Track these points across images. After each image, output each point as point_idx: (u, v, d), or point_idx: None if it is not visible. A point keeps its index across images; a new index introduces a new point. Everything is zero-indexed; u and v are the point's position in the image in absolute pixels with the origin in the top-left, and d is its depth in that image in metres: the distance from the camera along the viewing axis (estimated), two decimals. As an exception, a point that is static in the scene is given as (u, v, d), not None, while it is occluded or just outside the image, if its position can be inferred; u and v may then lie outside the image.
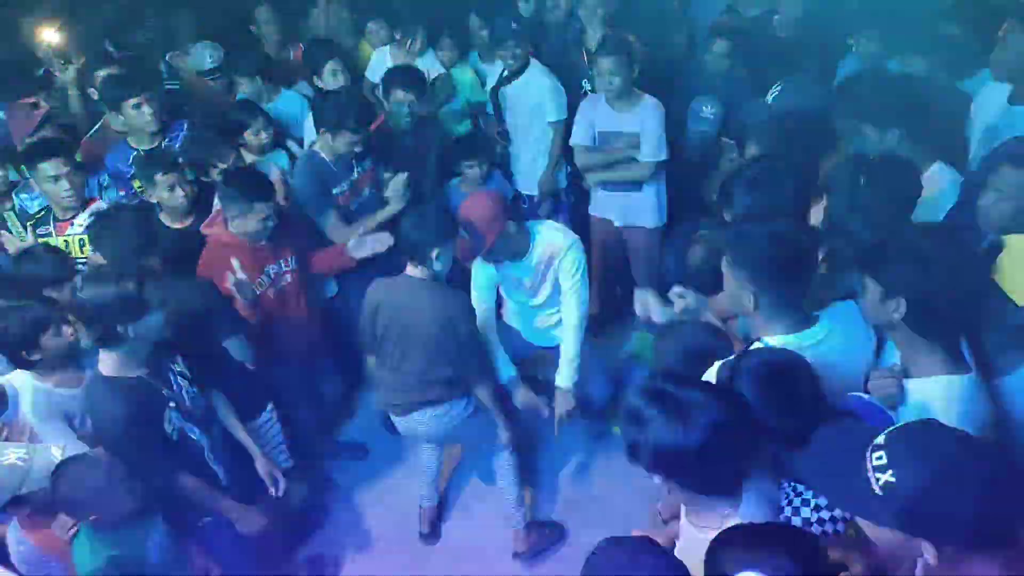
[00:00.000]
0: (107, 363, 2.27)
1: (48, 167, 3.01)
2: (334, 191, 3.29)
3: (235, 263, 2.82)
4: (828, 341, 1.90)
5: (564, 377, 3.06)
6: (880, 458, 1.24)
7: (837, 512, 1.65)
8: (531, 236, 2.98)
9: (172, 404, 2.36)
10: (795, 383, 1.66)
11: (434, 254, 2.64)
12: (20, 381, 2.45)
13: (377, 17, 4.36)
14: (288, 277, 3.06)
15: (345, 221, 3.31)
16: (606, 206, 3.90)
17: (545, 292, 3.09)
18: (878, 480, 1.23)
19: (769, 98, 2.85)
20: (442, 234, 2.65)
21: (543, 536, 3.22)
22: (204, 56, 3.97)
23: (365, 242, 3.14)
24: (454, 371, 2.79)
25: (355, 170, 3.35)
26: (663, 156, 3.60)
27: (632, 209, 3.81)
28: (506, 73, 3.98)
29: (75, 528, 2.20)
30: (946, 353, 1.79)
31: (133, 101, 3.35)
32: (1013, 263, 2.01)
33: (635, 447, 1.54)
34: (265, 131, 3.51)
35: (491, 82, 4.15)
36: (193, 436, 2.43)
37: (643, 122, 3.53)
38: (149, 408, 2.29)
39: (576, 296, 3.00)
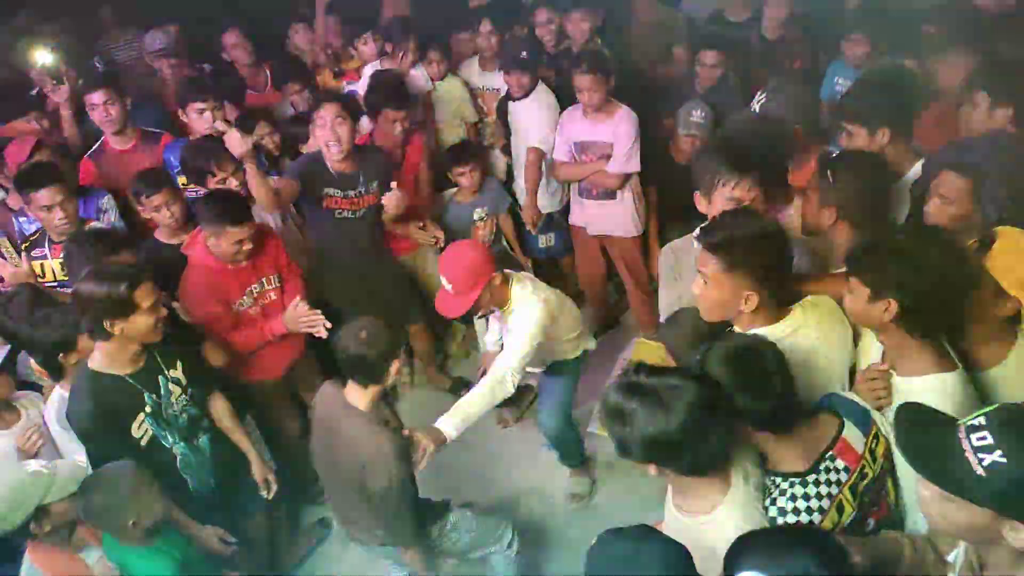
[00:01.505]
0: (96, 357, 2.34)
1: (42, 196, 3.00)
2: (324, 191, 3.26)
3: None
4: (803, 330, 1.96)
5: (446, 422, 2.45)
6: (983, 439, 1.25)
7: (812, 503, 1.68)
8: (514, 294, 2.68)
9: (148, 409, 2.39)
10: (762, 365, 1.69)
11: (391, 372, 2.32)
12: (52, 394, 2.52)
13: (365, 31, 4.35)
14: (272, 295, 3.04)
15: (319, 220, 3.33)
16: (582, 214, 3.96)
17: None
18: (981, 461, 1.23)
19: (756, 106, 2.86)
20: (393, 351, 2.33)
21: None
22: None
23: (305, 317, 2.90)
24: (378, 527, 2.44)
25: (359, 188, 3.32)
26: (632, 168, 3.66)
27: (606, 218, 3.86)
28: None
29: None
30: (934, 351, 1.81)
31: (199, 106, 3.42)
32: (1007, 254, 2.02)
33: (623, 442, 1.60)
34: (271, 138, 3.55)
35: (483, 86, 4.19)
36: (166, 444, 2.46)
37: (616, 133, 3.60)
38: (118, 409, 2.34)
39: (510, 349, 2.61)
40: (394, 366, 2.33)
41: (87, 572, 2.19)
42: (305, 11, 4.84)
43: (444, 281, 2.60)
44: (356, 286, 3.46)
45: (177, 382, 2.48)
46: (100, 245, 2.76)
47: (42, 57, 3.79)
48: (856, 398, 1.88)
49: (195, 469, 2.58)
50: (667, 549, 1.45)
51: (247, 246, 2.81)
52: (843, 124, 2.58)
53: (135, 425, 2.38)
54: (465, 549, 2.70)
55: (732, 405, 1.63)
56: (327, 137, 3.14)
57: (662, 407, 1.53)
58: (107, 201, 3.37)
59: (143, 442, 2.41)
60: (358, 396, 2.34)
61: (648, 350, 3.96)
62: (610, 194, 3.77)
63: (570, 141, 3.75)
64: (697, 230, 2.12)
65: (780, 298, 1.98)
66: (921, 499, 1.36)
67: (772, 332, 1.93)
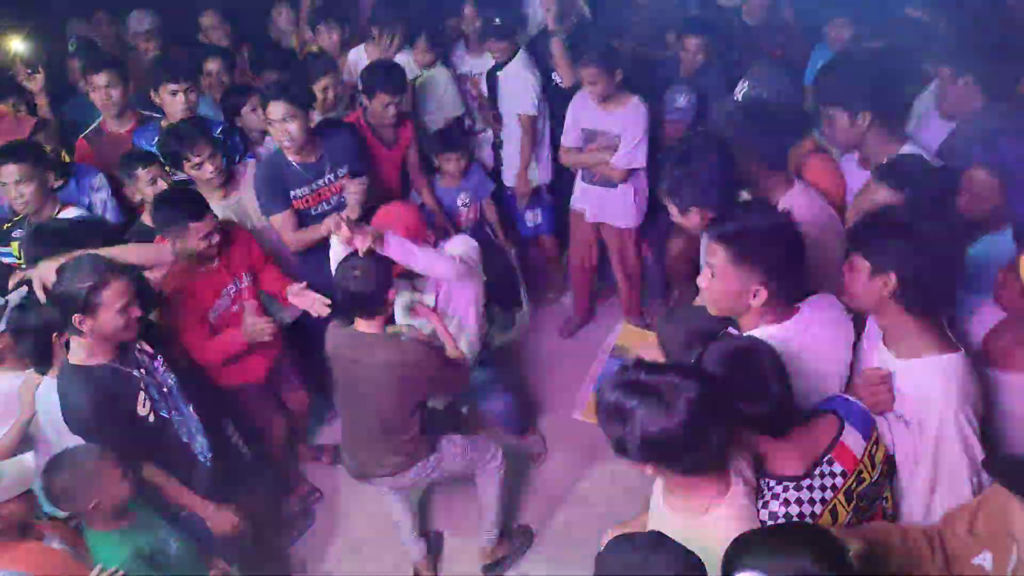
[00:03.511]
0: (76, 352, 2.30)
1: (3, 172, 2.96)
2: (292, 193, 3.21)
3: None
4: (809, 331, 1.91)
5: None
6: None
7: (805, 508, 1.66)
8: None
9: (143, 385, 2.37)
10: (759, 368, 1.67)
11: (390, 299, 2.51)
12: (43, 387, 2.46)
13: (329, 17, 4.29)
14: (246, 294, 3.00)
15: (300, 224, 3.25)
16: (583, 199, 3.94)
17: (442, 300, 2.97)
18: None
19: (738, 94, 2.84)
20: (388, 279, 2.51)
21: (512, 547, 3.18)
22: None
23: (305, 295, 2.97)
24: (415, 432, 2.66)
25: (325, 176, 3.27)
26: (637, 163, 3.64)
27: (606, 206, 3.85)
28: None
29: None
30: (935, 333, 1.81)
31: (171, 87, 3.36)
32: None
33: (622, 441, 1.53)
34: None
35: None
36: (164, 415, 2.44)
37: (624, 125, 3.58)
38: (121, 393, 2.31)
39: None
40: (391, 294, 2.52)
41: (59, 561, 2.13)
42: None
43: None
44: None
45: (145, 352, 2.45)
46: (52, 238, 2.65)
47: (15, 46, 3.72)
48: (858, 401, 1.85)
49: (195, 437, 2.57)
50: (679, 558, 1.41)
51: (215, 238, 2.75)
52: (823, 108, 2.54)
53: (139, 405, 2.36)
54: (457, 470, 2.88)
55: (731, 404, 1.60)
56: (279, 136, 3.11)
57: (664, 404, 1.48)
58: (99, 180, 3.31)
59: (151, 419, 2.39)
60: (369, 326, 2.53)
61: (637, 335, 3.97)
62: (611, 183, 3.75)
63: (579, 126, 3.72)
64: None
65: (790, 295, 1.92)
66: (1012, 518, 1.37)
67: (783, 331, 1.88)
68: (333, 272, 2.67)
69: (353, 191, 3.24)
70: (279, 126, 3.07)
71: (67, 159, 3.52)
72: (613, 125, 3.60)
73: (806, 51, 4.04)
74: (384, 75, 3.50)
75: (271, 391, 3.28)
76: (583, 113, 3.69)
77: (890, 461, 1.83)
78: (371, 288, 2.44)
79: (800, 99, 3.04)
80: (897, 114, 2.68)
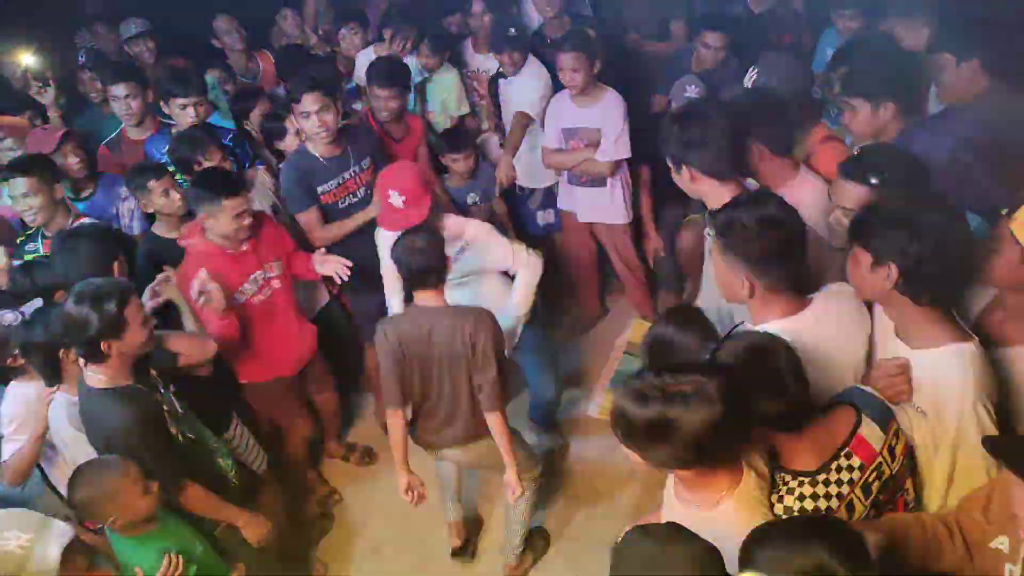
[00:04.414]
0: (97, 377, 2.24)
1: (13, 185, 3.01)
2: (319, 188, 3.25)
3: (202, 272, 2.69)
4: (822, 324, 1.89)
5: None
6: None
7: (820, 503, 1.64)
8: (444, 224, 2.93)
9: (165, 408, 2.36)
10: (775, 364, 1.64)
11: (449, 267, 2.60)
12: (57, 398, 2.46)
13: (354, 21, 4.37)
14: (276, 283, 3.02)
15: (327, 220, 3.29)
16: (571, 200, 3.94)
17: (460, 281, 3.02)
18: None
19: (747, 82, 2.82)
20: (442, 254, 2.59)
21: (534, 555, 3.16)
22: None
23: (328, 261, 3.05)
24: (469, 416, 2.69)
25: (351, 168, 3.30)
26: (622, 154, 3.63)
27: (596, 206, 3.84)
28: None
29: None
30: (947, 322, 1.79)
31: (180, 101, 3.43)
32: None
33: (670, 454, 1.49)
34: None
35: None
36: (190, 435, 2.44)
37: (604, 119, 3.56)
38: (153, 413, 2.30)
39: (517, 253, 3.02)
40: (448, 263, 2.61)
41: None
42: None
43: (394, 196, 2.74)
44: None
45: (157, 378, 2.44)
46: (35, 273, 2.72)
47: (27, 60, 3.77)
48: (876, 392, 1.82)
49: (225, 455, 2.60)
50: (696, 549, 1.39)
51: (246, 220, 2.80)
52: (844, 99, 2.52)
53: (168, 424, 2.34)
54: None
55: (747, 396, 1.58)
56: (314, 127, 3.12)
57: (704, 401, 1.44)
58: (125, 189, 3.34)
59: (180, 439, 2.38)
60: (434, 297, 2.59)
61: (642, 333, 3.95)
62: (599, 181, 3.74)
63: (559, 127, 3.71)
64: None
65: (789, 287, 1.89)
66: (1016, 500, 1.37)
67: (792, 324, 1.85)
68: (385, 256, 2.83)
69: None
70: (314, 117, 3.10)
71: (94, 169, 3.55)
72: (592, 120, 3.59)
73: (814, 36, 4.00)
74: (378, 70, 3.55)
75: (299, 389, 3.31)
76: (560, 113, 3.68)
77: (911, 453, 1.80)
78: (435, 259, 2.54)
79: (810, 87, 2.99)
80: (917, 103, 2.64)
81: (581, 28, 3.94)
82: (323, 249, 3.10)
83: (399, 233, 2.65)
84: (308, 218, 3.26)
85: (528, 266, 3.02)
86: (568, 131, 3.69)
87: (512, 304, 3.03)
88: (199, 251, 2.85)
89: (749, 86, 2.78)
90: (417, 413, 2.76)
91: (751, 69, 2.81)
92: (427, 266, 2.54)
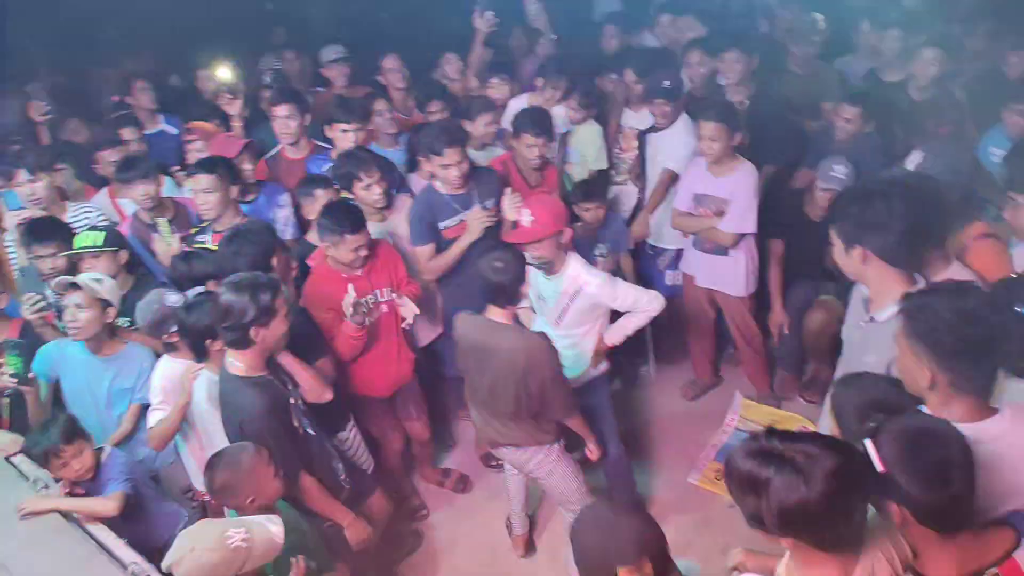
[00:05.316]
0: (237, 364, 2.44)
1: (196, 180, 3.38)
2: (441, 224, 3.44)
3: (351, 288, 2.97)
4: (1007, 439, 1.69)
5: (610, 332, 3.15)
6: None
7: None
8: (567, 264, 3.05)
9: (292, 400, 2.54)
10: (943, 454, 1.52)
11: (523, 292, 2.74)
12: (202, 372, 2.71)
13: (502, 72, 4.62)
14: (384, 307, 3.21)
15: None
16: (693, 264, 3.94)
17: (565, 322, 3.11)
18: None
19: (910, 165, 2.74)
20: (523, 274, 2.72)
21: None
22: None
23: (407, 303, 3.19)
24: (536, 416, 2.80)
25: (474, 207, 3.47)
26: (746, 229, 3.61)
27: (716, 273, 3.82)
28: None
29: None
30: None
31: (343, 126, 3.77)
32: None
33: (757, 513, 1.47)
34: None
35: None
36: (311, 432, 2.60)
37: (734, 190, 3.56)
38: (281, 403, 2.48)
39: (630, 291, 3.08)
40: (524, 288, 2.74)
41: None
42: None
43: (526, 216, 2.96)
44: None
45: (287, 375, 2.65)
46: (193, 263, 3.01)
47: (222, 74, 4.23)
48: None
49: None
50: (642, 522, 1.50)
51: (363, 252, 3.04)
52: (1010, 194, 2.45)
53: (293, 418, 2.52)
54: (564, 488, 2.95)
55: (880, 480, 1.51)
56: (450, 176, 3.37)
57: (801, 475, 1.41)
58: (285, 198, 3.72)
59: (301, 432, 2.55)
60: (502, 315, 2.73)
61: (756, 413, 3.85)
62: (722, 250, 3.72)
63: (690, 191, 3.75)
64: None
65: (977, 393, 1.73)
66: None
67: (975, 432, 1.66)
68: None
69: (476, 217, 3.43)
70: (453, 168, 3.36)
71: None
72: (722, 190, 3.59)
73: (973, 134, 3.85)
74: (530, 118, 3.72)
75: (392, 411, 3.45)
76: (696, 177, 3.71)
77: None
78: (509, 279, 2.66)
79: (974, 180, 2.89)
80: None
81: (724, 99, 3.98)
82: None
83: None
84: (423, 251, 3.46)
85: (645, 308, 3.09)
86: (698, 197, 3.71)
87: (610, 327, 3.12)
88: (319, 270, 3.12)
89: (911, 168, 2.71)
90: (472, 408, 2.94)
91: (915, 151, 2.74)
92: (500, 283, 2.66)
